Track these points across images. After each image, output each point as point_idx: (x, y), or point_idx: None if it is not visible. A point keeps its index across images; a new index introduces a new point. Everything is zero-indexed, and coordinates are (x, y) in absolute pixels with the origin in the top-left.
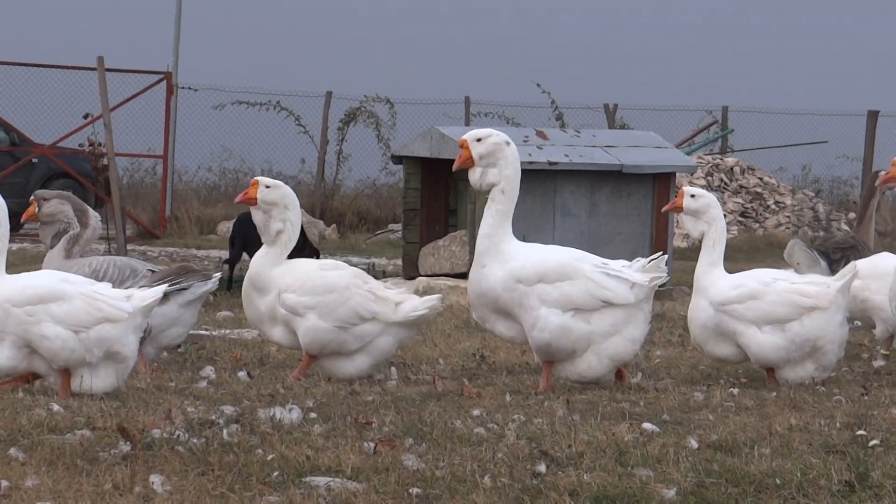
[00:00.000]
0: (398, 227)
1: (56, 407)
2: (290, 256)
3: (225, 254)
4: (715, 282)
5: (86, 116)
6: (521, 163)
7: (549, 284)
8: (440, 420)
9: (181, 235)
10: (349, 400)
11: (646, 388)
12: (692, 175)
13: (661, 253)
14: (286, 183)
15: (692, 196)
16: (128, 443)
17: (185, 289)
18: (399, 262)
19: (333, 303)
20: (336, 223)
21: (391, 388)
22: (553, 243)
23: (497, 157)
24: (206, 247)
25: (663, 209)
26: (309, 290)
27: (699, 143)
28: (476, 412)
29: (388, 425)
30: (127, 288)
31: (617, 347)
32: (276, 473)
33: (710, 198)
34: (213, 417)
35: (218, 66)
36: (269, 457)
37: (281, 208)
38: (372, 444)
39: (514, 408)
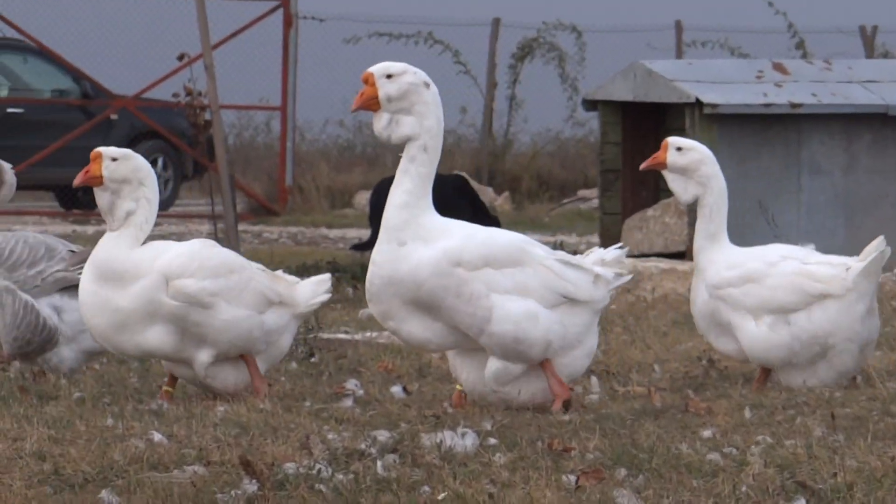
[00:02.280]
0: (591, 193)
1: (158, 436)
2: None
3: (364, 233)
4: (713, 260)
5: (180, 58)
6: (756, 105)
7: (498, 271)
8: (660, 444)
9: (307, 211)
10: (538, 420)
11: None
12: None
13: (620, 245)
14: (445, 138)
15: (678, 149)
16: (254, 481)
17: None
18: (594, 239)
19: (237, 285)
20: (509, 190)
21: (593, 403)
22: (800, 208)
23: (412, 101)
24: (339, 225)
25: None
26: (211, 272)
27: None
28: (707, 433)
29: (592, 452)
30: (40, 271)
31: (577, 363)
32: None
33: (702, 151)
34: (364, 446)
35: None
36: (440, 496)
37: (134, 185)
38: (573, 478)
39: (757, 426)
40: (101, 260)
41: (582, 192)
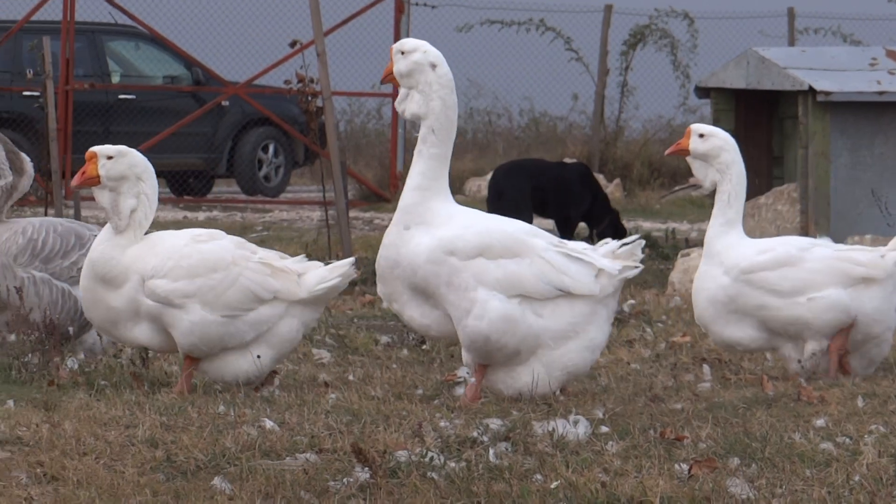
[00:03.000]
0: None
1: (270, 423)
2: (601, 235)
3: None
4: (733, 245)
5: (293, 45)
6: (869, 93)
7: (492, 261)
8: (773, 433)
9: None
10: (650, 408)
11: None
12: None
13: (637, 237)
14: (556, 125)
15: (700, 136)
16: (366, 468)
17: None
18: (705, 226)
19: (220, 285)
20: (620, 177)
21: (704, 391)
22: None
23: (417, 80)
24: None
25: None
26: (186, 272)
27: None
28: (819, 422)
29: (704, 441)
30: (74, 262)
31: (572, 356)
32: None
33: (723, 137)
34: (476, 434)
35: None
36: (553, 484)
37: (132, 181)
38: (685, 466)
39: (870, 416)
40: (95, 261)
41: (693, 180)
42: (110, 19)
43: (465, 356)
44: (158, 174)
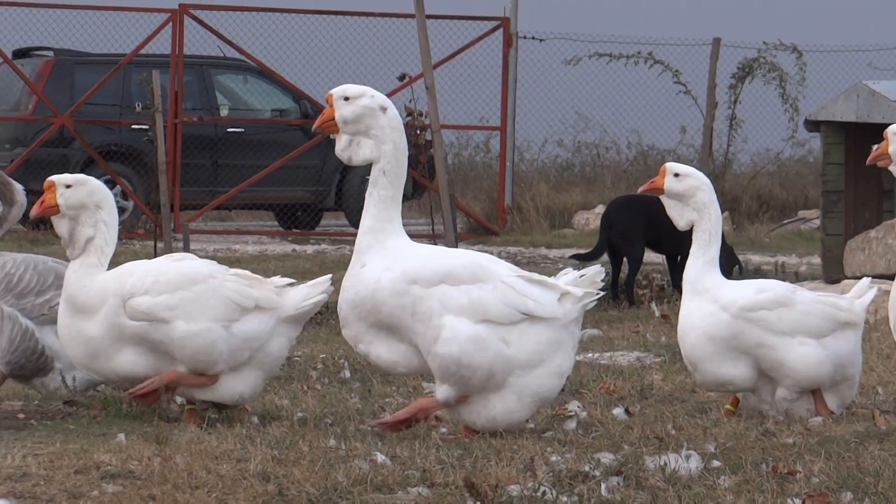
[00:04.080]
0: (811, 214)
1: (381, 457)
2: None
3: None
4: (722, 283)
5: (401, 78)
6: None
7: (455, 287)
8: (886, 468)
9: (525, 231)
10: (762, 442)
11: None
12: None
13: (597, 266)
14: (664, 158)
15: (675, 175)
16: (478, 503)
17: None
18: (815, 260)
19: (201, 296)
20: (729, 210)
21: (816, 426)
22: None
23: (368, 125)
24: (559, 245)
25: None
26: (166, 286)
27: None
28: None
29: (817, 475)
30: (48, 300)
31: (542, 382)
32: None
33: (698, 178)
34: (588, 468)
35: (569, 9)
36: None
37: (91, 209)
38: (798, 501)
39: None
40: (69, 293)
41: (802, 213)
42: (219, 53)
43: (441, 390)
44: (266, 207)
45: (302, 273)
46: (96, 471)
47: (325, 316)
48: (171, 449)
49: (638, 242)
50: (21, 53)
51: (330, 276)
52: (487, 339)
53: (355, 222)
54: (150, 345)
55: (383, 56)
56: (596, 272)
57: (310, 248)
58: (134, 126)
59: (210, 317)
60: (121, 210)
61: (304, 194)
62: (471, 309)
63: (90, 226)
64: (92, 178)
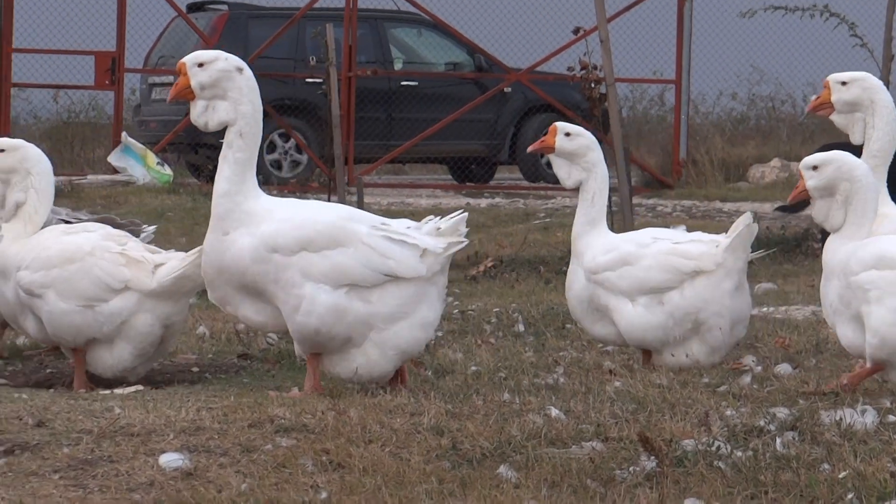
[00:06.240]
0: None
1: (555, 412)
2: None
3: (758, 206)
4: (590, 244)
5: (576, 31)
6: None
7: (316, 253)
8: None
9: (700, 184)
10: None
11: None
12: None
13: (460, 211)
14: None
15: (567, 134)
16: (652, 457)
17: None
18: None
19: (74, 276)
20: None
21: None
22: None
23: (225, 87)
24: (734, 198)
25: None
26: (44, 263)
27: None
28: None
29: None
30: None
31: (405, 335)
32: (850, 496)
33: (588, 137)
34: (763, 423)
35: None
36: (841, 474)
37: (22, 174)
38: None
39: None
40: None
41: None
42: (392, 6)
43: (297, 348)
44: (440, 160)
45: (476, 226)
46: (270, 424)
47: (499, 269)
48: (344, 403)
49: None
50: (195, 7)
51: (200, 248)
52: (347, 306)
53: (529, 176)
54: (37, 315)
55: (558, 10)
56: (459, 220)
57: (483, 202)
58: (308, 80)
59: (82, 295)
60: (295, 164)
61: (478, 148)
62: (333, 274)
63: (20, 190)
64: (30, 145)
